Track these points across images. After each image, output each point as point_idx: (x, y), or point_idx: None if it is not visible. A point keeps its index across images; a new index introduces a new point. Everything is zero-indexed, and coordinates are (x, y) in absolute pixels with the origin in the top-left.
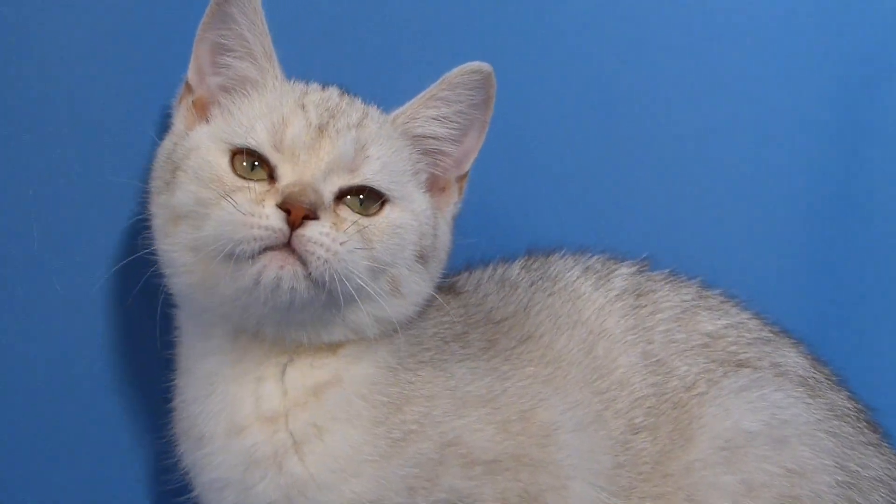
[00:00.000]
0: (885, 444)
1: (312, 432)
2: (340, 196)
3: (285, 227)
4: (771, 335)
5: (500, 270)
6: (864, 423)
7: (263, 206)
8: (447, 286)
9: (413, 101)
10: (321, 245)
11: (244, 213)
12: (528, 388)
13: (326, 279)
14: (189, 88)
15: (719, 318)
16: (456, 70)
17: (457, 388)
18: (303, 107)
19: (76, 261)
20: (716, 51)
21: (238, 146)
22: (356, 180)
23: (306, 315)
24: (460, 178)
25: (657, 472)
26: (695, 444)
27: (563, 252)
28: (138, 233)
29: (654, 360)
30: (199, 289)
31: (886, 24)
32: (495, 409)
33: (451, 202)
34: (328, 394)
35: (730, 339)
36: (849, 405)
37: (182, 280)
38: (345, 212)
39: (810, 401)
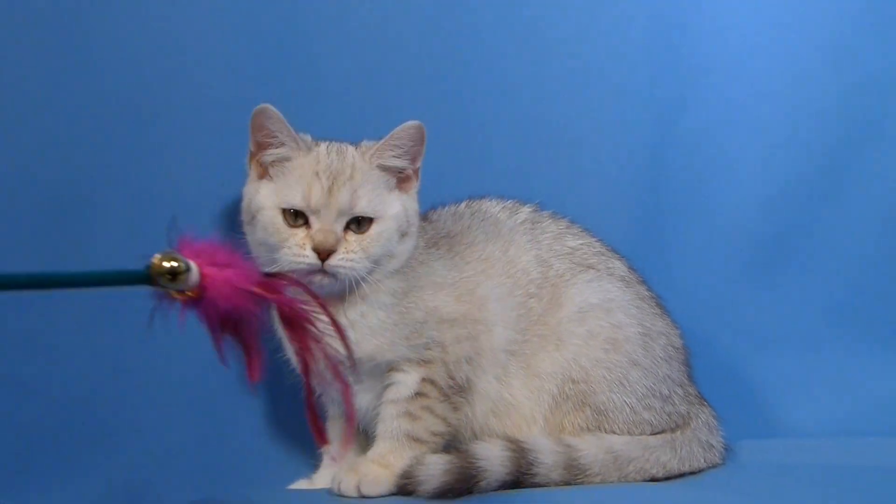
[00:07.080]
0: (667, 315)
1: (360, 316)
2: (347, 225)
3: (318, 262)
4: (606, 251)
5: (452, 207)
6: (655, 304)
7: (305, 249)
8: (423, 216)
9: (378, 144)
10: (341, 267)
11: (295, 255)
12: (474, 276)
13: (346, 282)
14: (252, 154)
15: (577, 240)
16: (399, 128)
17: (436, 278)
18: (317, 174)
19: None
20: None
21: (285, 208)
22: (354, 214)
23: (344, 292)
24: (415, 171)
25: (541, 322)
26: (562, 309)
27: (490, 197)
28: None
29: (542, 260)
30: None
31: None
32: (456, 289)
33: (413, 186)
34: (369, 299)
35: (583, 252)
36: (647, 293)
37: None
38: (350, 236)
39: (626, 289)
